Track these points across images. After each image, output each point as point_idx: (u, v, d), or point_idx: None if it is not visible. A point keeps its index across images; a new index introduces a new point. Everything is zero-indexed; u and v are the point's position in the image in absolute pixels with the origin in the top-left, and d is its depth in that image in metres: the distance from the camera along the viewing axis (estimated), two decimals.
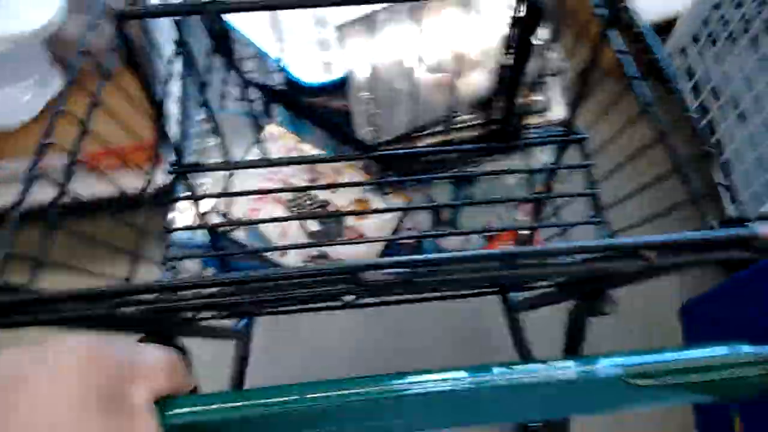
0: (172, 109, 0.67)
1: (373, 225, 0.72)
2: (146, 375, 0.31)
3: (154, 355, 0.32)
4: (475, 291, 0.88)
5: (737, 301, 1.04)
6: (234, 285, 0.41)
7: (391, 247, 0.71)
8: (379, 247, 0.71)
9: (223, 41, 0.64)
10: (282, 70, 0.69)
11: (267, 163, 0.59)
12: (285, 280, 0.40)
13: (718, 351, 0.35)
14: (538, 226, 0.71)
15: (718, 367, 0.34)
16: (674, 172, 0.53)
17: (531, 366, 0.33)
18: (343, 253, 0.70)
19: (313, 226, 0.70)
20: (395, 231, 0.73)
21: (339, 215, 0.69)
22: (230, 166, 0.60)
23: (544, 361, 0.33)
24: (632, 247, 0.41)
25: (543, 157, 0.70)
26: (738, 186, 1.19)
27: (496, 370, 0.33)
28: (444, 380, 0.33)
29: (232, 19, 0.67)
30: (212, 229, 0.66)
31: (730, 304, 1.06)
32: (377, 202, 0.72)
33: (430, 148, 0.65)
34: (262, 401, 0.32)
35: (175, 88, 0.64)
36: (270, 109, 0.80)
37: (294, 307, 0.83)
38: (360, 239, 0.69)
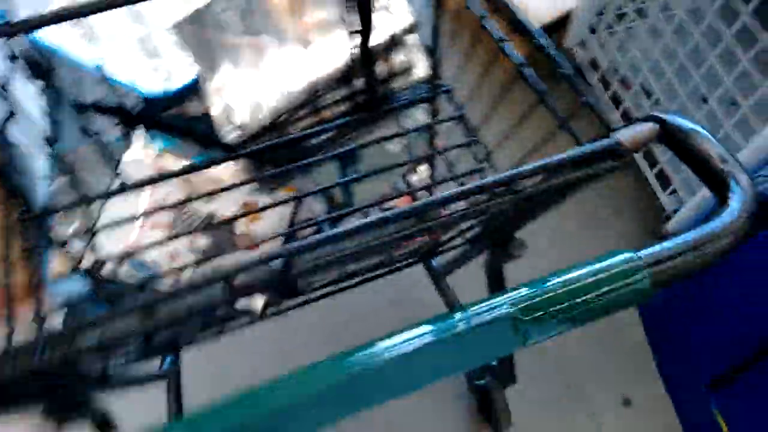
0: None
1: (267, 226, 0.68)
2: None
3: None
4: (396, 266, 0.87)
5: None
6: (111, 319, 0.37)
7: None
8: (272, 248, 0.67)
9: (46, 67, 0.58)
10: (127, 87, 0.64)
11: (122, 188, 0.54)
12: (158, 304, 0.37)
13: (604, 263, 0.34)
14: (430, 185, 0.70)
15: (606, 279, 0.34)
16: (540, 102, 0.53)
17: (422, 328, 0.32)
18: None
19: (203, 241, 0.66)
20: (291, 227, 0.69)
21: (224, 222, 0.65)
22: (85, 199, 0.54)
23: (434, 320, 0.32)
24: (508, 180, 0.40)
25: (419, 117, 0.68)
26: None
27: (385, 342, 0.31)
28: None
29: (54, 41, 0.62)
30: (91, 274, 0.60)
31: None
32: (265, 201, 0.69)
33: (301, 133, 0.62)
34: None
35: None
36: (127, 132, 0.74)
37: (212, 331, 0.78)
38: (253, 244, 0.66)
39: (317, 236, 0.35)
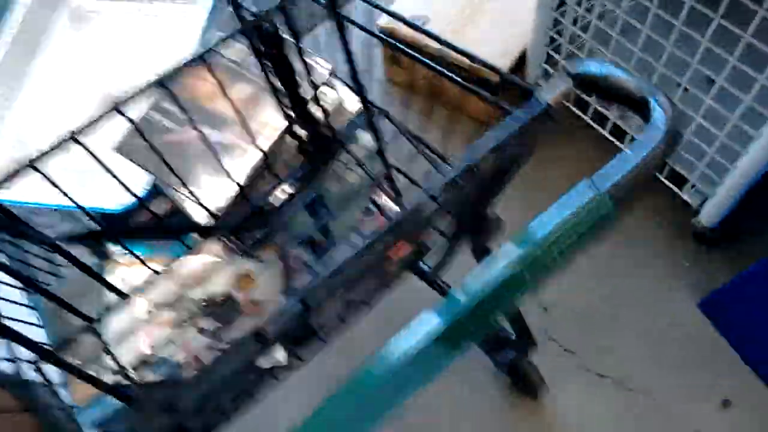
0: None
1: (264, 289, 0.71)
2: None
3: None
4: (391, 283, 0.90)
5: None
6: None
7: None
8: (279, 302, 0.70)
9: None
10: (92, 211, 0.66)
11: (120, 297, 0.56)
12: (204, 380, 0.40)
13: (573, 204, 0.38)
14: (396, 197, 0.75)
15: (580, 217, 0.38)
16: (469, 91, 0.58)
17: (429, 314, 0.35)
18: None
19: (210, 326, 0.68)
20: (286, 278, 0.72)
21: (224, 299, 0.68)
22: (89, 324, 0.56)
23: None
24: (467, 168, 0.45)
25: (367, 144, 0.73)
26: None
27: None
28: None
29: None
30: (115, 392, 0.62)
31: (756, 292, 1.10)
32: (256, 267, 0.71)
33: (265, 198, 0.66)
34: None
35: None
36: (104, 253, 0.76)
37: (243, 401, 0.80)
38: (258, 307, 0.69)
39: (328, 271, 0.38)
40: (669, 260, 1.33)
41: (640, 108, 0.41)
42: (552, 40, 1.35)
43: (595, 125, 1.40)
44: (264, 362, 0.69)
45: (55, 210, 0.66)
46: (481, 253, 0.77)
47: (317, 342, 0.76)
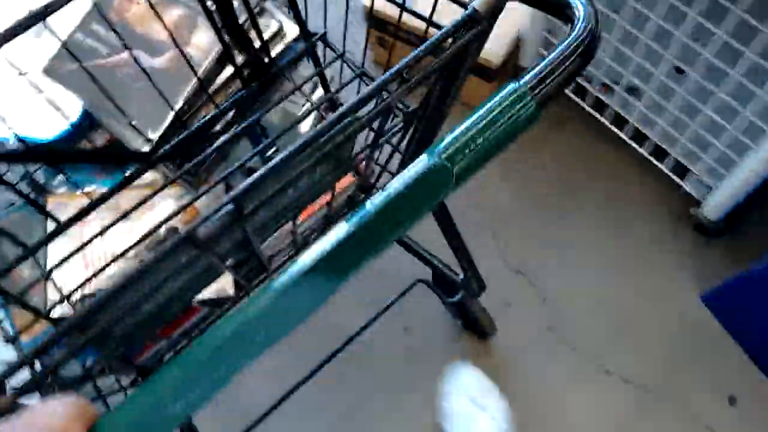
0: None
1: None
2: None
3: (59, 410, 0.31)
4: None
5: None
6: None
7: None
8: None
9: None
10: (25, 138, 0.65)
11: (58, 228, 0.55)
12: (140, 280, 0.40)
13: (497, 100, 0.40)
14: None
15: (501, 113, 0.39)
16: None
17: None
18: None
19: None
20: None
21: (165, 227, 0.67)
22: (28, 250, 0.56)
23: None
24: (397, 73, 0.45)
25: (305, 73, 0.72)
26: None
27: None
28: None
29: None
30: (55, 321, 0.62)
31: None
32: (199, 197, 0.71)
33: (203, 121, 0.65)
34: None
35: None
36: (41, 187, 0.75)
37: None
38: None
39: (258, 172, 0.39)
40: (671, 252, 1.34)
41: (562, 13, 0.42)
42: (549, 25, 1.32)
43: (594, 113, 1.39)
44: (208, 292, 0.70)
45: None
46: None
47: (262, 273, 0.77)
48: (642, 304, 1.30)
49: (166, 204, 0.71)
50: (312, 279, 0.35)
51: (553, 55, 0.39)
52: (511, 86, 0.39)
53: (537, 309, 1.31)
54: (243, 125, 0.68)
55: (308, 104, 0.71)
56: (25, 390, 0.37)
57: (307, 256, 0.36)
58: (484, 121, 0.38)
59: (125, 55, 0.66)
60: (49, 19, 0.46)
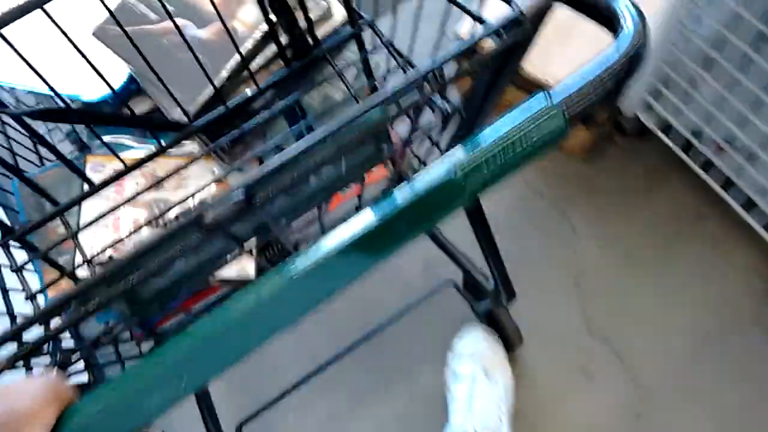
0: None
1: None
2: (32, 417, 0.30)
3: (33, 391, 0.31)
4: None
5: None
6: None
7: None
8: None
9: None
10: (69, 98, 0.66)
11: (90, 190, 0.56)
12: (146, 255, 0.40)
13: (526, 114, 0.37)
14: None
15: (532, 129, 0.37)
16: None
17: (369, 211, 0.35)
18: None
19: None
20: None
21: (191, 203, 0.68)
22: (59, 209, 0.57)
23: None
24: (436, 66, 0.43)
25: (350, 57, 0.71)
26: None
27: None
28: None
29: None
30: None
31: None
32: (231, 172, 0.71)
33: (242, 97, 0.65)
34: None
35: None
36: (83, 146, 0.77)
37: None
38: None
39: (273, 160, 0.38)
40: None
41: (609, 22, 0.39)
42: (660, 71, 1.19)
43: (702, 173, 1.25)
44: (229, 272, 0.70)
45: (29, 94, 0.66)
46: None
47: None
48: (748, 396, 1.13)
49: (202, 177, 0.71)
50: (304, 285, 0.34)
51: (591, 67, 0.37)
52: (542, 100, 0.36)
53: (623, 387, 1.18)
54: (281, 105, 0.67)
55: (349, 95, 0.70)
56: (20, 357, 0.38)
57: (304, 261, 0.35)
58: (507, 141, 0.35)
59: (170, 23, 0.66)
60: None
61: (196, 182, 0.71)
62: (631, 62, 0.37)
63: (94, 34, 0.66)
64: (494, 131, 0.37)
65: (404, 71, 0.67)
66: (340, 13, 0.68)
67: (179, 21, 0.66)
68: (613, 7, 0.38)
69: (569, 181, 1.39)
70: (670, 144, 1.27)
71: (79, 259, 0.66)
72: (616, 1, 0.39)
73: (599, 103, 0.37)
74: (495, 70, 0.50)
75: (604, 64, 0.36)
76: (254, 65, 0.66)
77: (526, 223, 1.35)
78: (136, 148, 0.74)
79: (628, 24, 0.38)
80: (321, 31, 0.68)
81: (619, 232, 1.33)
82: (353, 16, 0.66)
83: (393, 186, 0.85)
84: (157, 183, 0.67)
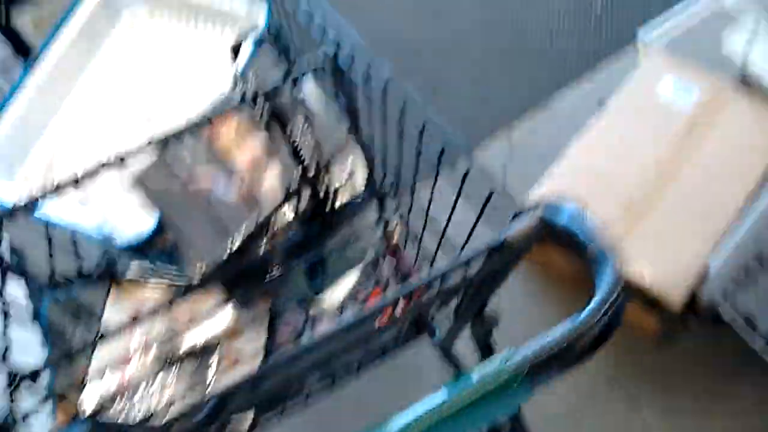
0: None
1: (247, 342, 0.72)
2: None
3: None
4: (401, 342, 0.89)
5: None
6: None
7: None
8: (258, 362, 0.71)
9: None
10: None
11: (101, 336, 0.59)
12: None
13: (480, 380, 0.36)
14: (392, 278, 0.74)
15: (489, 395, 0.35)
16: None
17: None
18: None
19: (189, 368, 0.71)
20: (271, 337, 0.73)
21: (205, 347, 0.70)
22: (69, 353, 0.60)
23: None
24: (429, 282, 0.44)
25: (370, 217, 0.73)
26: None
27: None
28: None
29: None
30: (91, 418, 0.65)
31: None
32: (244, 318, 0.73)
33: (258, 259, 0.67)
34: None
35: None
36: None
37: None
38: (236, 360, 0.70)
39: (285, 353, 0.39)
40: None
41: (590, 265, 0.38)
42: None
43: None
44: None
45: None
46: (478, 340, 0.74)
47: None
48: None
49: (214, 319, 0.73)
50: None
51: (557, 334, 0.35)
52: (498, 365, 0.35)
53: None
54: (297, 262, 0.69)
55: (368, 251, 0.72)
56: None
57: None
58: (456, 409, 0.34)
59: (202, 179, 0.70)
60: None
61: (209, 324, 0.73)
62: (605, 328, 0.35)
63: (133, 183, 0.71)
64: (441, 399, 0.35)
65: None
66: (361, 177, 0.71)
67: (209, 170, 0.69)
68: (594, 263, 0.37)
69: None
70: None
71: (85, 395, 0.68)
72: (596, 251, 0.38)
73: (569, 370, 0.36)
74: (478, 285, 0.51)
75: (572, 331, 0.35)
76: (274, 222, 0.69)
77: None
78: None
79: (606, 280, 0.37)
80: (344, 194, 0.71)
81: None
82: (373, 183, 0.68)
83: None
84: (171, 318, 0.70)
